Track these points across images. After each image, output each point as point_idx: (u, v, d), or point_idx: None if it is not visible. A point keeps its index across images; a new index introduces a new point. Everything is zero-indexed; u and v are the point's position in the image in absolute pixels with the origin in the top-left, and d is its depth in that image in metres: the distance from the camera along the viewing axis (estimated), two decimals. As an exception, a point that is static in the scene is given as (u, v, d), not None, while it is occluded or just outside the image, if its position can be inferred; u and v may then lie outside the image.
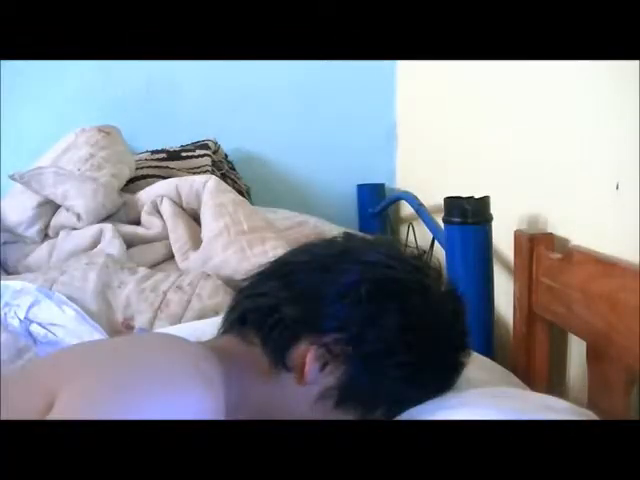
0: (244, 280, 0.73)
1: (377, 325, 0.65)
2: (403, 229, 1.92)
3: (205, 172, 1.83)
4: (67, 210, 1.65)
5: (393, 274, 0.68)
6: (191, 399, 0.56)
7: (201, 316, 1.15)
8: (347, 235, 0.76)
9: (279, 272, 0.71)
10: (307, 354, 0.65)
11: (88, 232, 1.59)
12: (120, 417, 0.52)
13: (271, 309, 0.67)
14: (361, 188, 2.00)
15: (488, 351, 1.07)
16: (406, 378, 0.67)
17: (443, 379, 0.71)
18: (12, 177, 1.65)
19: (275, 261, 0.74)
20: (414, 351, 0.66)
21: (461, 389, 0.75)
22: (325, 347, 0.65)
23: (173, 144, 1.93)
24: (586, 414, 0.68)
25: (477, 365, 0.90)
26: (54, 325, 1.13)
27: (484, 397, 0.71)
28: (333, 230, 1.75)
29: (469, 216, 1.09)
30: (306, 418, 0.66)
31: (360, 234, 0.78)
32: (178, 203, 1.65)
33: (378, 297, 0.66)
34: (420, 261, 0.74)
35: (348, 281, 0.66)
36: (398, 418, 0.68)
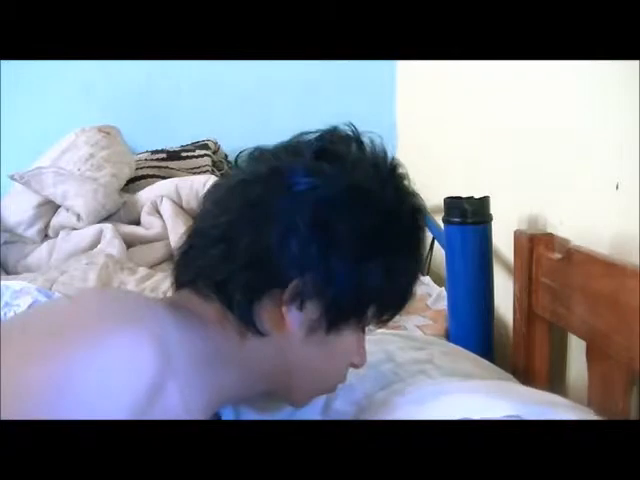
0: (186, 237, 0.68)
1: (335, 247, 0.61)
2: (403, 229, 1.92)
3: (205, 172, 1.84)
4: (67, 210, 1.65)
5: (321, 187, 0.61)
6: (120, 341, 0.54)
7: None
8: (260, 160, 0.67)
9: (217, 228, 0.64)
10: (281, 309, 0.62)
11: (88, 232, 1.59)
12: (49, 367, 0.51)
13: (225, 277, 0.62)
14: (361, 188, 1.99)
15: (488, 351, 1.07)
16: (383, 272, 0.64)
17: (414, 251, 0.69)
18: (12, 177, 1.66)
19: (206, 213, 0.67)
20: (379, 246, 0.63)
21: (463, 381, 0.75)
22: (296, 294, 0.61)
23: (173, 144, 1.93)
24: (586, 411, 0.69)
25: (477, 364, 0.91)
26: (54, 325, 1.13)
27: (489, 387, 0.72)
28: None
29: (469, 216, 1.09)
30: (300, 357, 0.65)
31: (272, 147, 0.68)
32: (178, 203, 1.66)
33: (321, 221, 0.61)
34: (338, 147, 0.66)
35: (284, 220, 0.60)
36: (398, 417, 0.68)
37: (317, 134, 0.67)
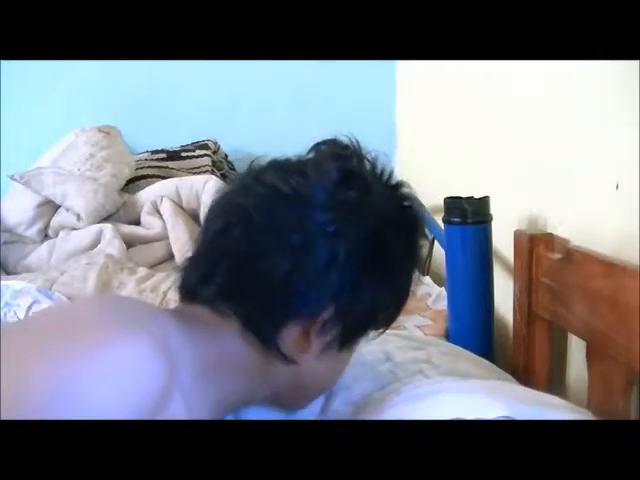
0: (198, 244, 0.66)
1: (365, 277, 0.63)
2: (403, 229, 1.92)
3: (205, 172, 1.83)
4: (67, 210, 1.65)
5: (355, 218, 0.62)
6: (123, 344, 0.52)
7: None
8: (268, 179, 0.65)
9: (240, 245, 0.62)
10: (308, 335, 0.62)
11: (88, 232, 1.59)
12: (52, 372, 0.49)
13: (252, 301, 0.61)
14: (361, 188, 1.99)
15: (488, 351, 1.07)
16: (393, 292, 0.68)
17: (417, 264, 0.71)
18: (12, 177, 1.66)
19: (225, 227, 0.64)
20: (396, 270, 0.67)
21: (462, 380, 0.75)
22: (327, 321, 0.62)
23: (173, 144, 1.93)
24: (584, 413, 0.69)
25: (476, 364, 0.91)
26: (54, 325, 1.13)
27: (486, 387, 0.72)
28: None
29: (469, 216, 1.09)
30: (312, 372, 0.67)
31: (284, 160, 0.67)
32: (178, 203, 1.66)
33: (356, 253, 0.61)
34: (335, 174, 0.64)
35: (320, 251, 0.60)
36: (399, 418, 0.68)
37: (332, 149, 0.68)
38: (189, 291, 0.66)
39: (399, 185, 0.69)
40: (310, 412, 0.74)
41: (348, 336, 0.66)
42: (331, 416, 0.75)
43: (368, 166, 0.67)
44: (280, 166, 0.66)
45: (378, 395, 0.76)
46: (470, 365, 0.88)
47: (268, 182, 0.64)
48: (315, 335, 0.63)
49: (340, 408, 0.76)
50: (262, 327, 0.62)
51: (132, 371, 0.52)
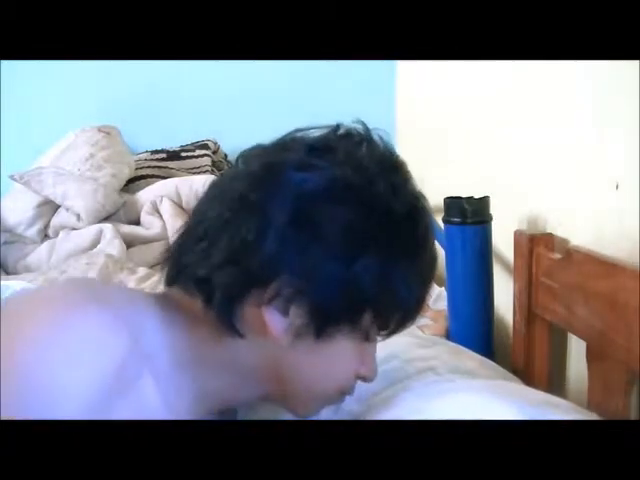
0: (180, 234, 0.66)
1: (317, 245, 0.57)
2: (403, 229, 1.92)
3: (205, 172, 1.83)
4: (67, 210, 1.65)
5: (304, 180, 0.58)
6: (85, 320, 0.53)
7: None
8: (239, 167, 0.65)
9: (202, 224, 0.63)
10: (261, 314, 0.58)
11: (88, 232, 1.59)
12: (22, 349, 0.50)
13: (206, 273, 0.60)
14: (361, 188, 1.99)
15: (488, 351, 1.07)
16: (375, 275, 0.59)
17: (416, 255, 0.63)
18: (12, 177, 1.66)
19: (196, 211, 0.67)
20: (369, 245, 0.58)
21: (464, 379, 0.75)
22: (277, 296, 0.58)
23: (173, 144, 1.93)
24: (587, 414, 0.69)
25: (481, 364, 0.90)
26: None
27: (496, 388, 0.72)
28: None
29: (469, 216, 1.09)
30: (291, 364, 0.62)
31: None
32: (178, 203, 1.66)
33: (301, 216, 0.57)
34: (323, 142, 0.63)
35: (263, 214, 0.57)
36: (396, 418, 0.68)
37: (315, 129, 0.65)
38: (166, 274, 0.66)
39: (396, 168, 0.64)
40: (323, 413, 0.73)
41: (320, 323, 0.59)
42: (343, 416, 0.74)
43: (355, 143, 0.63)
44: (254, 148, 0.66)
45: (389, 392, 0.76)
46: (477, 365, 0.88)
47: (238, 164, 0.66)
48: (267, 310, 0.58)
49: (351, 407, 0.75)
50: (217, 300, 0.59)
51: (92, 341, 0.53)
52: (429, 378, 0.78)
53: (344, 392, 0.68)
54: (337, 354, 0.63)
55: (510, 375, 0.93)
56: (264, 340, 0.60)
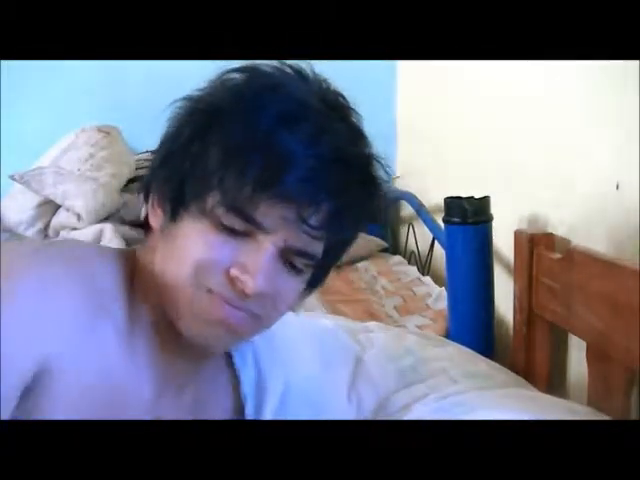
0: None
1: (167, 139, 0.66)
2: (403, 229, 1.92)
3: (205, 172, 1.83)
4: (67, 210, 1.65)
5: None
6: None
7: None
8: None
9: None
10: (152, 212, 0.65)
11: (88, 232, 1.59)
12: None
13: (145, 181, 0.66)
14: (361, 188, 1.99)
15: (488, 351, 1.07)
16: (218, 156, 0.59)
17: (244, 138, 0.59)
18: (12, 177, 1.66)
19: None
20: (207, 132, 0.61)
21: (483, 387, 0.75)
22: (150, 191, 0.64)
23: (173, 144, 1.93)
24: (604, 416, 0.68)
25: (489, 365, 0.90)
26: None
27: (509, 398, 0.71)
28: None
29: (469, 216, 1.09)
30: (161, 258, 0.63)
31: None
32: (178, 203, 1.65)
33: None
34: None
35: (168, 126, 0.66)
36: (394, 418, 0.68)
37: None
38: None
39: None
40: (337, 393, 0.75)
41: (171, 201, 0.61)
42: (355, 399, 0.75)
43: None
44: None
45: (402, 397, 0.76)
46: (487, 367, 0.88)
47: None
48: (150, 207, 0.63)
49: (366, 395, 0.76)
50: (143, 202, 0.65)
51: (45, 290, 0.56)
52: (442, 385, 0.78)
53: (206, 284, 0.60)
54: (186, 236, 0.60)
55: (519, 378, 0.92)
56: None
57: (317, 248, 0.61)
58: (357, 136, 0.64)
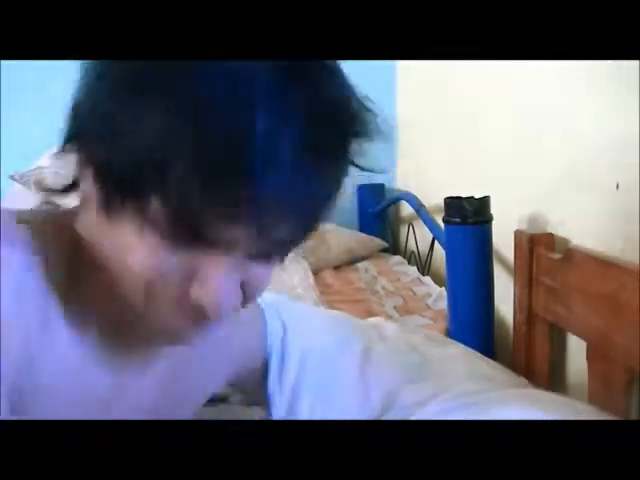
0: None
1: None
2: (403, 229, 1.93)
3: (205, 172, 1.83)
4: (67, 210, 1.65)
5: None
6: None
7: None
8: None
9: None
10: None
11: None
12: None
13: None
14: (361, 188, 2.00)
15: (488, 351, 1.07)
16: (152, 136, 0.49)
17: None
18: (12, 177, 1.66)
19: None
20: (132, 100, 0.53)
21: (491, 388, 0.75)
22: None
23: (173, 144, 1.93)
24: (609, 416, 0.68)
25: (490, 365, 0.90)
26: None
27: (521, 397, 0.71)
28: (333, 231, 1.76)
29: (469, 216, 1.10)
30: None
31: None
32: (178, 203, 1.65)
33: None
34: None
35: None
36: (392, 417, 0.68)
37: None
38: None
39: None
40: (345, 399, 0.75)
41: (104, 192, 0.52)
42: (363, 388, 0.75)
43: None
44: None
45: (412, 392, 0.76)
46: (489, 368, 0.88)
47: None
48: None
49: (376, 383, 0.76)
50: None
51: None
52: (451, 384, 0.78)
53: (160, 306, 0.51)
54: (119, 239, 0.51)
55: (519, 378, 0.92)
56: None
57: (284, 229, 0.49)
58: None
